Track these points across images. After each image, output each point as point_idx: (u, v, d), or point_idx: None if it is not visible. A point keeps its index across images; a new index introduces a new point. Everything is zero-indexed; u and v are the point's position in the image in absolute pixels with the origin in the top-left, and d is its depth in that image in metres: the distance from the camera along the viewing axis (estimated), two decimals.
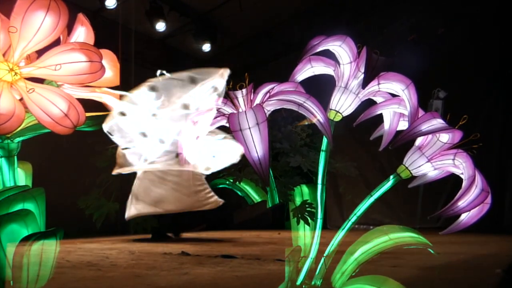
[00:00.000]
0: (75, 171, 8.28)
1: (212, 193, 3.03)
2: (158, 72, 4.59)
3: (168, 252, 6.91)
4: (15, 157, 3.26)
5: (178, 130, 2.93)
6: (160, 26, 9.98)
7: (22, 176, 3.36)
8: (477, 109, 10.24)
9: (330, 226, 10.86)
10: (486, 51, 10.01)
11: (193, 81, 2.90)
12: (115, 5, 8.85)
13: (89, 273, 4.97)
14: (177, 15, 10.46)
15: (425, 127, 3.17)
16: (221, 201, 3.07)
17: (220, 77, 2.88)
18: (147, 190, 2.96)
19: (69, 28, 3.13)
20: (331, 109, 3.48)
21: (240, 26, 11.14)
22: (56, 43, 2.96)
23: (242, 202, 7.86)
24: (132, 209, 2.93)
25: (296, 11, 11.10)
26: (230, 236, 9.07)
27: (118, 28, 9.02)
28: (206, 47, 10.95)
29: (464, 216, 3.25)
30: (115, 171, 2.96)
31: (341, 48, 3.43)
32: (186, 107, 2.92)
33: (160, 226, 8.12)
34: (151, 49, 10.61)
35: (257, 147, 2.91)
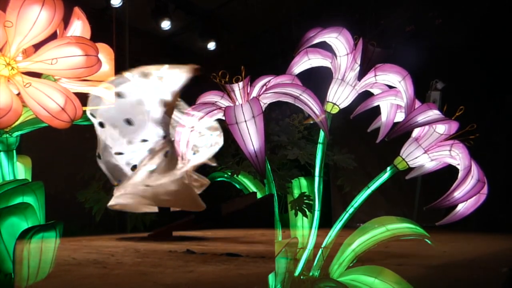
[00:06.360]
0: (74, 165, 8.26)
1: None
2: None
3: (173, 250, 6.92)
4: (14, 151, 3.29)
5: (159, 130, 3.02)
6: (166, 24, 9.99)
7: (21, 170, 3.39)
8: (485, 105, 10.12)
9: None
10: (491, 46, 9.87)
11: (145, 75, 3.02)
12: (121, 3, 8.87)
13: (95, 270, 4.98)
14: (183, 13, 10.47)
15: (421, 118, 3.16)
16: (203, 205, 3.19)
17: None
18: (143, 188, 3.01)
19: (66, 22, 3.15)
20: (328, 102, 3.47)
21: (245, 24, 11.12)
22: (52, 37, 2.98)
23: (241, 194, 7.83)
24: (121, 199, 2.98)
25: (303, 7, 11.06)
26: (235, 235, 9.06)
27: (123, 26, 9.03)
28: (211, 45, 10.94)
29: (460, 207, 3.24)
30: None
31: (338, 40, 3.42)
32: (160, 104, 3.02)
33: (159, 221, 8.10)
34: (156, 48, 10.61)
35: (253, 140, 2.91)
